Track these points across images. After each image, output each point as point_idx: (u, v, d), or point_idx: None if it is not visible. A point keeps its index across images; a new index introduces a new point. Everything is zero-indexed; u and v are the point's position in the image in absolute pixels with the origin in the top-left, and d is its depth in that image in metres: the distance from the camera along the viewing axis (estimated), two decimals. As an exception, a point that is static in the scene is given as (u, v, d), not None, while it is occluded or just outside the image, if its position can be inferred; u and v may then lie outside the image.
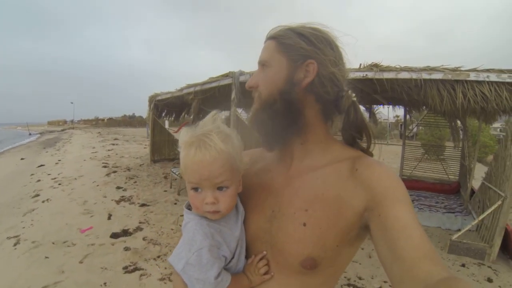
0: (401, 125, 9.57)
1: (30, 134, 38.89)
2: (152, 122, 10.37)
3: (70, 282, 2.92)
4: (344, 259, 0.66)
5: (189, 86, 6.63)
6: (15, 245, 3.84)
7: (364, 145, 0.72)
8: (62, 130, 42.53)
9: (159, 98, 8.76)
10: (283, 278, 0.65)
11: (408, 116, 7.29)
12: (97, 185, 7.04)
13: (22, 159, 12.90)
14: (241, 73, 4.95)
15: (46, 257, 3.43)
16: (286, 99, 0.65)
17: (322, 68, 0.64)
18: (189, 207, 0.65)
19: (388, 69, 3.81)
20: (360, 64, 4.07)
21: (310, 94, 0.66)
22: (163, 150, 11.21)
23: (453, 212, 5.06)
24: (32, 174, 8.94)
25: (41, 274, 3.05)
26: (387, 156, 13.31)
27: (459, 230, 4.07)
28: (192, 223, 0.62)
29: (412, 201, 6.56)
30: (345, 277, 3.11)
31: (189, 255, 0.59)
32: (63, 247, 3.72)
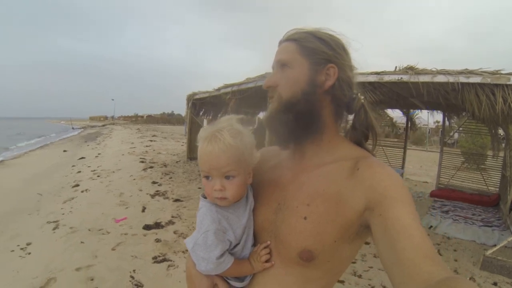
0: (441, 131, 9.03)
1: (73, 128, 44.37)
2: (189, 121, 11.09)
3: (102, 266, 3.28)
4: (343, 257, 0.73)
5: (226, 86, 7.22)
6: (54, 229, 4.41)
7: (370, 146, 0.82)
8: (103, 126, 47.24)
9: (197, 97, 9.41)
10: (283, 268, 0.74)
11: (447, 122, 7.48)
12: (134, 179, 7.70)
13: (64, 151, 14.73)
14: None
15: (81, 242, 3.90)
16: (308, 100, 0.75)
17: (341, 72, 0.76)
18: (204, 196, 0.79)
19: (424, 72, 3.94)
20: (396, 67, 4.25)
21: (328, 96, 0.77)
22: (200, 148, 11.74)
23: (490, 226, 5.12)
24: (73, 166, 10.14)
25: (75, 257, 3.48)
26: (425, 163, 13.03)
27: (495, 245, 4.05)
28: (203, 209, 0.76)
29: (447, 211, 5.70)
30: (369, 285, 3.22)
31: (197, 236, 0.73)
32: (98, 234, 4.19)
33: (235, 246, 0.76)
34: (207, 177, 0.73)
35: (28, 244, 3.91)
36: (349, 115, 0.84)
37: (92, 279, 3.03)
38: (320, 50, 0.75)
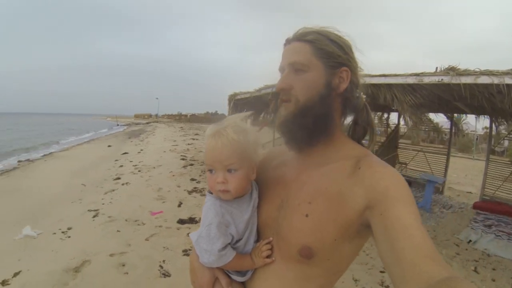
0: (488, 138, 8.17)
1: (118, 125, 48.44)
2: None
3: (134, 254, 3.52)
4: (343, 255, 0.76)
5: (267, 87, 7.42)
6: (94, 217, 4.82)
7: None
8: (147, 123, 50.26)
9: (238, 97, 9.70)
10: (283, 264, 0.78)
11: (494, 128, 6.93)
12: (173, 175, 8.11)
13: (109, 146, 15.97)
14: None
15: (118, 231, 4.22)
16: (324, 103, 0.79)
17: (353, 76, 0.81)
18: (211, 192, 0.84)
19: (466, 73, 3.78)
20: (436, 68, 4.14)
21: (339, 98, 0.82)
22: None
23: (539, 246, 4.71)
24: (116, 160, 10.94)
25: (111, 244, 3.77)
26: (470, 172, 12.36)
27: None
28: (208, 203, 0.82)
29: (490, 226, 5.23)
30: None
31: (201, 229, 0.79)
32: (134, 225, 4.48)
33: (237, 241, 0.82)
34: (210, 171, 0.79)
35: (69, 228, 4.33)
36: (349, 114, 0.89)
37: (123, 265, 3.26)
38: (335, 54, 0.79)
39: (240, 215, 0.81)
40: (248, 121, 0.87)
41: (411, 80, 4.14)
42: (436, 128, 8.81)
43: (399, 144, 9.38)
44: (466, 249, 4.31)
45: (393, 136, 9.02)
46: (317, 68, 0.78)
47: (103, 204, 5.52)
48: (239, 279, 0.83)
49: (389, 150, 8.91)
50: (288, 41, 0.84)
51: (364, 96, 0.87)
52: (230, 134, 0.77)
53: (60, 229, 4.30)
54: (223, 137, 0.77)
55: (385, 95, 4.43)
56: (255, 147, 0.82)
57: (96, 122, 67.37)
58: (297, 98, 0.79)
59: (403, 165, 9.17)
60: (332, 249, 0.73)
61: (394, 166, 9.32)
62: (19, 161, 11.74)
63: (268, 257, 0.80)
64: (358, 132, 0.88)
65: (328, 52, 0.78)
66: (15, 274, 3.06)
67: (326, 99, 0.79)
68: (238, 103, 10.16)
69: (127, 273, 3.11)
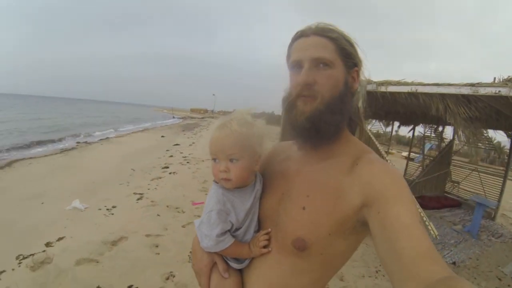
0: None
1: (173, 117, 51.54)
2: (283, 122, 11.45)
3: (169, 238, 3.80)
4: (337, 252, 0.80)
5: None
6: (138, 200, 5.27)
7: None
8: (202, 118, 52.56)
9: None
10: (278, 255, 0.84)
11: None
12: (220, 170, 8.41)
13: (162, 136, 17.09)
14: (369, 82, 5.30)
15: (157, 215, 4.57)
16: (344, 101, 0.84)
17: (361, 75, 0.89)
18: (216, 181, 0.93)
19: None
20: (494, 79, 3.88)
21: (351, 97, 0.89)
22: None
23: None
24: (167, 150, 11.69)
25: (149, 225, 4.12)
26: None
27: None
28: (212, 191, 0.90)
29: None
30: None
31: (203, 215, 0.88)
32: (173, 212, 4.81)
33: (237, 229, 0.89)
34: (214, 160, 0.87)
35: (113, 207, 4.83)
36: None
37: (157, 246, 3.56)
38: (353, 55, 0.85)
39: (241, 204, 0.88)
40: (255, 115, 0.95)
41: (465, 91, 3.91)
42: (494, 147, 8.12)
43: (454, 161, 8.83)
44: (509, 285, 3.90)
45: (447, 151, 8.56)
46: (340, 67, 0.83)
47: (148, 189, 5.99)
48: (236, 266, 0.90)
49: (440, 166, 8.51)
50: (305, 34, 0.85)
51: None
52: (233, 126, 0.85)
53: (105, 206, 4.82)
54: (227, 129, 0.85)
55: (438, 105, 4.24)
56: (260, 140, 0.89)
57: (154, 113, 72.33)
58: (323, 94, 0.81)
59: (455, 184, 8.66)
60: (326, 243, 0.77)
61: (445, 184, 8.51)
62: (77, 142, 13.14)
63: (265, 247, 0.86)
64: (351, 126, 0.95)
65: (348, 52, 0.84)
66: (59, 239, 3.56)
67: (345, 97, 0.85)
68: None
69: (158, 253, 3.39)
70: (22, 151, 10.66)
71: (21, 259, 3.07)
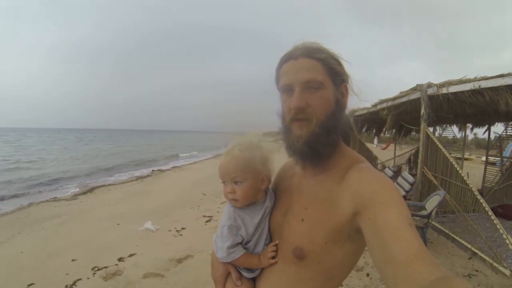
0: None
1: None
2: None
3: None
4: (335, 260, 0.85)
5: (382, 102, 7.47)
6: (206, 222, 5.64)
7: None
8: (275, 140, 53.50)
9: (357, 113, 9.84)
10: (283, 265, 0.92)
11: None
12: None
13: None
14: (429, 85, 5.24)
15: None
16: (337, 119, 0.90)
17: (350, 90, 0.95)
18: None
19: None
20: None
21: (343, 112, 0.95)
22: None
23: None
24: (236, 175, 12.16)
25: None
26: None
27: None
28: (225, 208, 1.03)
29: None
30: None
31: (218, 230, 1.01)
32: (240, 233, 5.00)
33: (248, 242, 0.99)
34: (224, 183, 1.00)
35: (183, 228, 5.24)
36: None
37: (220, 264, 3.75)
38: (340, 72, 0.91)
39: (250, 220, 0.98)
40: (263, 138, 1.07)
41: (511, 81, 3.58)
42: None
43: None
44: None
45: None
46: (330, 86, 0.88)
47: (218, 212, 6.36)
48: (248, 275, 1.01)
49: None
50: (294, 56, 0.89)
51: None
52: (235, 152, 0.97)
53: (175, 227, 5.27)
54: (230, 155, 0.97)
55: (507, 99, 3.89)
56: (264, 161, 0.99)
57: (223, 138, 75.72)
58: (317, 116, 0.86)
59: None
60: (322, 252, 0.84)
61: None
62: (152, 170, 14.38)
63: (273, 258, 0.96)
64: (343, 138, 1.00)
65: (336, 71, 0.90)
66: (130, 255, 4.02)
67: (337, 115, 0.90)
68: (358, 119, 10.42)
69: (221, 271, 3.57)
70: (103, 179, 12.10)
71: (96, 270, 3.57)
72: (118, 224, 5.56)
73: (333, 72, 0.88)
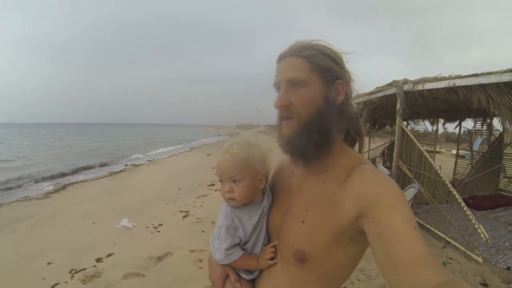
0: None
1: (219, 134, 53.29)
2: None
3: None
4: (337, 263, 0.84)
5: (357, 96, 7.35)
6: (183, 217, 5.54)
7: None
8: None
9: None
10: (283, 267, 0.91)
11: None
12: (266, 185, 8.53)
13: (208, 154, 17.63)
14: (405, 82, 5.37)
15: (202, 231, 4.77)
16: (325, 118, 0.87)
17: (347, 87, 0.91)
18: None
19: None
20: None
21: (337, 110, 0.90)
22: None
23: None
24: (213, 168, 11.97)
25: (193, 242, 4.31)
26: None
27: None
28: (222, 209, 1.00)
29: None
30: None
31: (215, 231, 0.99)
32: (219, 228, 4.95)
33: (245, 243, 0.97)
34: (221, 182, 0.97)
35: (160, 224, 5.13)
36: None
37: (200, 261, 3.73)
38: (332, 69, 0.87)
39: (248, 220, 0.96)
40: (260, 135, 1.04)
41: (506, 78, 3.69)
42: None
43: (507, 154, 8.17)
44: None
45: (497, 145, 7.94)
46: (316, 83, 0.85)
47: (194, 206, 6.28)
48: (247, 277, 0.99)
49: (492, 162, 7.94)
50: (282, 57, 0.90)
51: (356, 106, 0.98)
52: (234, 150, 0.94)
53: (152, 224, 5.15)
54: (228, 153, 0.95)
55: (479, 97, 4.05)
56: (262, 160, 0.97)
57: (199, 132, 75.07)
58: (299, 115, 0.86)
59: (510, 180, 7.96)
60: (324, 254, 0.82)
61: (498, 181, 8.01)
62: (126, 165, 14.03)
63: (272, 259, 0.94)
64: (349, 141, 0.99)
65: (325, 67, 0.86)
66: (108, 255, 3.89)
67: (326, 113, 0.87)
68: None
69: (201, 268, 3.55)
70: (76, 176, 11.68)
71: (74, 273, 3.41)
72: (94, 222, 5.37)
73: (321, 69, 0.85)
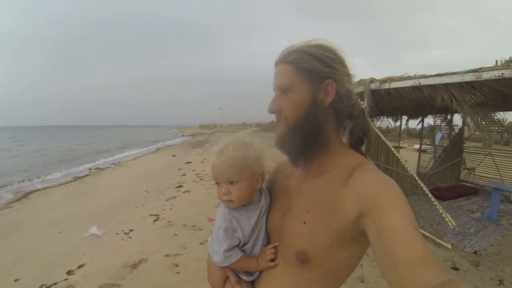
0: None
1: (183, 135, 52.20)
2: None
3: (188, 257, 3.84)
4: (339, 262, 0.83)
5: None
6: (154, 221, 5.35)
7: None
8: (212, 133, 53.03)
9: None
10: (284, 268, 0.90)
11: None
12: (234, 184, 8.48)
13: (173, 155, 17.26)
14: (372, 80, 5.50)
15: (175, 234, 4.62)
16: (312, 119, 0.87)
17: (339, 86, 0.87)
18: None
19: None
20: (496, 61, 3.92)
21: (329, 110, 0.89)
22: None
23: None
24: (179, 169, 11.79)
25: (167, 246, 4.17)
26: None
27: None
28: (220, 210, 0.99)
29: None
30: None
31: (213, 233, 0.97)
32: (191, 230, 4.86)
33: (244, 244, 0.96)
34: (218, 184, 0.95)
35: (131, 230, 4.90)
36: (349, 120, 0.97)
37: (176, 265, 3.61)
38: (316, 70, 0.85)
39: (246, 221, 0.95)
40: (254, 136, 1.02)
41: (468, 78, 3.94)
42: (506, 129, 8.17)
43: (466, 148, 8.87)
44: None
45: (458, 139, 8.56)
46: (301, 87, 0.86)
47: (164, 209, 6.07)
48: (246, 278, 0.97)
49: (453, 155, 8.53)
50: (275, 64, 0.93)
51: (362, 103, 0.96)
52: (229, 152, 0.93)
53: (122, 230, 4.90)
54: (222, 155, 0.93)
55: (443, 96, 4.28)
56: (257, 160, 0.96)
57: (162, 133, 73.43)
58: (287, 119, 0.88)
59: (470, 171, 8.62)
60: (326, 255, 0.81)
61: (459, 172, 8.49)
62: (91, 169, 13.43)
63: (272, 260, 0.92)
64: (354, 141, 0.97)
65: (309, 69, 0.85)
66: (80, 266, 3.64)
67: (314, 115, 0.87)
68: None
69: (178, 272, 3.43)
70: (37, 182, 10.99)
71: None
72: (61, 232, 5.05)
73: (305, 72, 0.86)
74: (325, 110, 0.88)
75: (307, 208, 0.87)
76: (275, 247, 0.93)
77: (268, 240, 0.99)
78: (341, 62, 0.89)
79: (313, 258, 0.82)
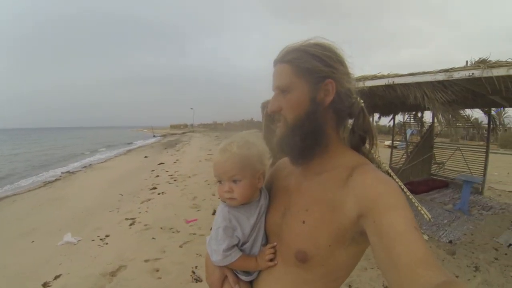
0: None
1: (154, 136, 51.15)
2: (264, 128, 11.69)
3: (168, 260, 3.72)
4: (339, 262, 0.81)
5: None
6: (130, 225, 5.14)
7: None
8: (183, 133, 52.39)
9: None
10: (283, 267, 0.88)
11: None
12: (208, 184, 8.38)
13: (145, 157, 16.74)
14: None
15: (153, 238, 4.47)
16: (312, 119, 0.85)
17: (339, 85, 0.85)
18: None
19: (497, 64, 3.65)
20: (467, 62, 4.08)
21: (329, 110, 0.87)
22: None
23: None
24: (152, 170, 11.47)
25: (146, 250, 4.01)
26: None
27: None
28: (219, 209, 0.96)
29: None
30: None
31: (212, 232, 0.95)
32: (168, 232, 4.71)
33: (244, 244, 0.93)
34: (219, 182, 0.92)
35: (107, 236, 4.68)
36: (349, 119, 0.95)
37: (157, 270, 3.48)
38: (316, 69, 0.83)
39: (246, 220, 0.92)
40: (258, 135, 0.99)
41: (440, 77, 4.07)
42: (473, 125, 8.44)
43: (436, 143, 9.21)
44: (506, 254, 4.04)
45: (428, 135, 8.87)
46: (300, 87, 0.84)
47: (140, 213, 5.86)
48: (245, 278, 0.95)
49: (424, 150, 8.81)
50: (274, 64, 0.90)
51: (362, 101, 0.93)
52: (233, 149, 0.90)
53: (98, 236, 4.67)
54: (227, 152, 0.90)
55: (415, 94, 4.40)
56: (260, 158, 0.93)
57: (133, 134, 71.43)
58: (286, 119, 0.86)
59: (440, 165, 8.95)
60: (326, 255, 0.79)
61: (430, 167, 8.73)
62: (61, 173, 12.80)
63: (271, 260, 0.90)
64: (355, 140, 0.94)
65: (308, 68, 0.83)
66: (56, 277, 3.41)
67: (313, 115, 0.84)
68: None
69: (160, 278, 3.31)
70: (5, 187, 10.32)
71: None
72: (33, 241, 4.72)
73: (304, 72, 0.83)
74: (325, 110, 0.86)
75: (306, 208, 0.84)
76: (274, 247, 0.90)
77: (267, 240, 0.96)
78: (340, 61, 0.86)
79: (312, 258, 0.80)
